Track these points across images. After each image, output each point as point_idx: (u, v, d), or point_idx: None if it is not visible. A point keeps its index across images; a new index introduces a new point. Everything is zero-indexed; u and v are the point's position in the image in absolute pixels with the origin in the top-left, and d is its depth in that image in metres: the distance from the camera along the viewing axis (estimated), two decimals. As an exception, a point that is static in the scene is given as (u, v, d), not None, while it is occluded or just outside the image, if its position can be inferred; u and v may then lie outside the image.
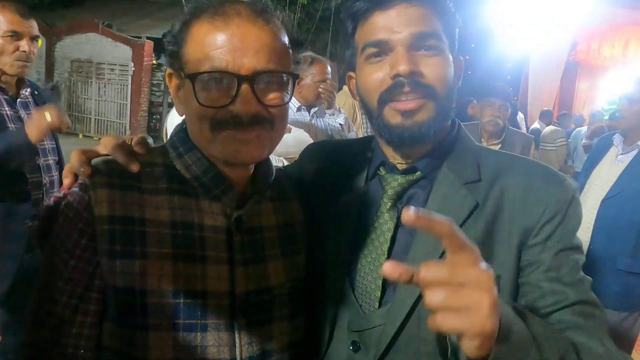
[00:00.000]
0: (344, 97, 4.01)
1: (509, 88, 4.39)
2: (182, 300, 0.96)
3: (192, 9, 0.98)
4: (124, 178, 0.98)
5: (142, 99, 13.36)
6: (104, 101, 13.94)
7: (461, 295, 0.65)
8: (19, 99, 2.54)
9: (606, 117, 8.84)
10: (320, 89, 2.97)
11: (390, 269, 0.66)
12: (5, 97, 2.48)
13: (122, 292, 0.95)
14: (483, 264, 0.68)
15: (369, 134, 1.21)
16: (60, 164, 2.63)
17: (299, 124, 2.79)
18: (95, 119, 14.12)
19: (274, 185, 1.13)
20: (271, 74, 0.96)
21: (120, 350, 0.96)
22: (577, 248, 1.01)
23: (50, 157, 2.57)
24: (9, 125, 2.42)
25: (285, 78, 0.99)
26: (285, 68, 0.99)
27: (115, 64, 13.62)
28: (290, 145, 2.15)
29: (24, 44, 2.48)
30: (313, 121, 3.02)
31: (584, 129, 8.15)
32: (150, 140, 1.08)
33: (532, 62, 11.21)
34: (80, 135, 13.98)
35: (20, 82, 2.57)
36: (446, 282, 0.66)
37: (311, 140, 2.47)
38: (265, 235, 1.08)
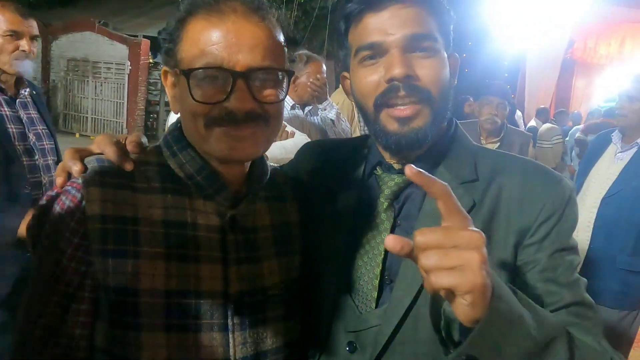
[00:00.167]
0: (342, 96, 3.99)
1: (506, 86, 4.38)
2: (175, 300, 0.95)
3: (188, 6, 0.98)
4: (117, 177, 0.97)
5: (138, 98, 13.33)
6: (101, 100, 13.92)
7: (453, 256, 0.69)
8: (18, 99, 2.52)
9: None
10: (308, 84, 2.98)
11: (392, 242, 0.70)
12: (4, 97, 2.46)
13: (114, 292, 0.93)
14: (474, 228, 0.72)
15: (367, 132, 1.20)
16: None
17: (294, 119, 2.78)
18: (92, 118, 14.10)
19: (269, 185, 1.12)
20: (266, 70, 0.96)
21: (113, 351, 0.95)
22: (573, 248, 1.01)
23: (49, 157, 2.56)
24: (8, 126, 2.40)
25: (280, 75, 0.99)
26: (280, 65, 0.99)
27: (112, 63, 13.59)
28: (290, 151, 2.14)
29: (23, 44, 2.47)
30: (308, 119, 3.02)
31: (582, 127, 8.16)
32: (144, 139, 1.07)
33: (529, 60, 11.22)
34: (77, 134, 13.98)
35: (19, 82, 2.55)
36: (439, 245, 0.70)
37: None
38: (260, 235, 1.07)
